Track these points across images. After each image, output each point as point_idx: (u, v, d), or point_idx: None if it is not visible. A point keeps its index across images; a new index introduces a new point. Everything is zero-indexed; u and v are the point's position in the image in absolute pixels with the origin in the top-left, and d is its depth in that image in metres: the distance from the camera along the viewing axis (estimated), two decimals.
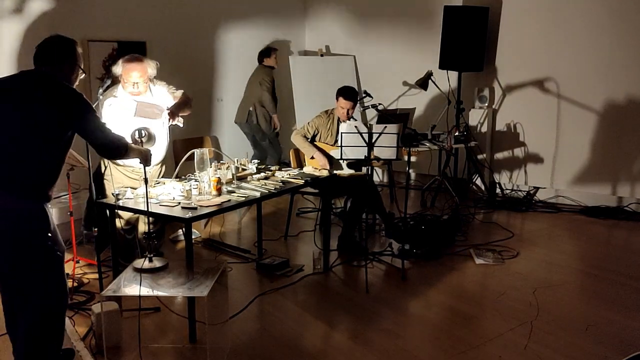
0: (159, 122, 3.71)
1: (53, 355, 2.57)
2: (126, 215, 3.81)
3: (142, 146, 3.01)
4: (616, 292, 3.67)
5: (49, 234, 2.45)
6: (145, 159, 2.93)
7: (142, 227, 3.91)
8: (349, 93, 4.47)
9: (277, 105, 6.24)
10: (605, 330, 3.14)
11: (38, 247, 2.42)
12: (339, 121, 4.58)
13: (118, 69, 3.63)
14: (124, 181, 3.71)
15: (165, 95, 3.84)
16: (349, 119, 4.52)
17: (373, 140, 3.85)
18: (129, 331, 3.08)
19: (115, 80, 3.68)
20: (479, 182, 6.06)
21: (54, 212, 4.43)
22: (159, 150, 3.71)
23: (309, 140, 4.54)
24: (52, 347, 2.56)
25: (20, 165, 2.39)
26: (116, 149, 2.67)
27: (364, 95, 5.58)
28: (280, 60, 6.83)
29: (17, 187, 2.38)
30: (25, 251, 2.41)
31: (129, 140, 3.18)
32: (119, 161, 3.62)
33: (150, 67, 3.66)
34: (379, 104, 5.14)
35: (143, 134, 3.08)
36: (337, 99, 4.51)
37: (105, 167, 3.76)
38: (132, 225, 3.94)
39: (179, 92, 3.90)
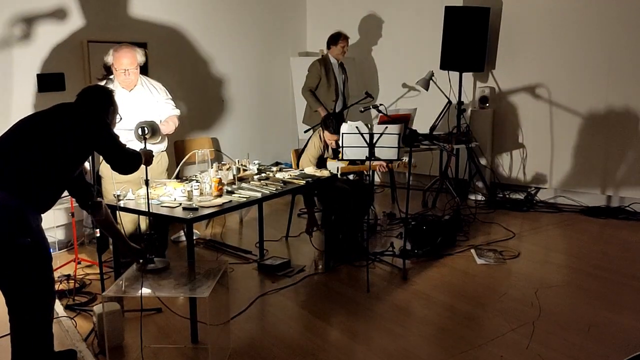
0: (153, 111, 3.89)
1: (38, 356, 2.57)
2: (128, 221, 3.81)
3: (145, 142, 3.05)
4: (618, 292, 3.67)
5: (25, 235, 2.44)
6: (148, 160, 2.98)
7: (143, 226, 3.93)
8: (334, 127, 4.19)
9: (332, 103, 5.59)
10: (607, 331, 3.14)
11: (10, 244, 2.42)
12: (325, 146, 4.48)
13: (109, 58, 3.79)
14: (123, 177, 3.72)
15: (159, 90, 4.02)
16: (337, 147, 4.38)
17: (374, 141, 3.85)
18: (131, 332, 3.09)
19: (111, 73, 3.84)
20: (480, 182, 6.05)
21: (56, 213, 4.46)
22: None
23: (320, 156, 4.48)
24: (35, 347, 2.55)
25: (30, 171, 2.47)
26: (132, 164, 2.84)
27: (364, 96, 5.57)
28: (280, 61, 6.85)
29: (13, 186, 2.42)
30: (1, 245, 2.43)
31: (132, 136, 3.21)
32: None
33: (139, 55, 3.82)
34: (380, 104, 5.14)
35: (146, 131, 3.10)
36: (323, 128, 4.35)
37: (100, 163, 3.78)
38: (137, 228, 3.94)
39: (174, 112, 4.05)
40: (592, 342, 3.01)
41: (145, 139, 3.09)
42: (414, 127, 5.18)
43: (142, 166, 2.94)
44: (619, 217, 5.31)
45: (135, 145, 3.26)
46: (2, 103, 4.32)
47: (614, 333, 3.12)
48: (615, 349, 2.94)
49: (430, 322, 3.34)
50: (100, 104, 2.77)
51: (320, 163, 4.49)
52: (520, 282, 3.84)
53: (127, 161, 2.81)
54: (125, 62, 3.73)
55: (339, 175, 4.33)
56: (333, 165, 4.47)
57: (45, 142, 2.52)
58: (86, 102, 2.75)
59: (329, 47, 5.67)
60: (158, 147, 3.96)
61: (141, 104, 3.88)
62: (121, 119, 2.95)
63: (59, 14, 4.59)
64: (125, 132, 3.56)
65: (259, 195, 3.48)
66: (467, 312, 3.43)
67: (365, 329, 3.22)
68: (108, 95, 2.85)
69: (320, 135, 4.44)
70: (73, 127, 2.60)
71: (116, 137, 2.78)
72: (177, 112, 4.09)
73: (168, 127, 3.91)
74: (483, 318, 3.34)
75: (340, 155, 4.09)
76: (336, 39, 5.58)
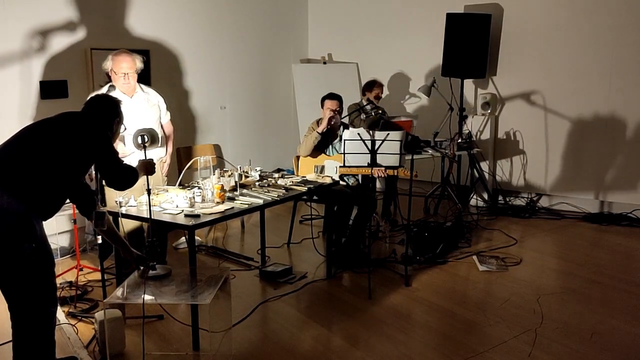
0: (155, 118, 4.00)
1: None
2: (128, 226, 3.82)
3: (145, 150, 3.06)
4: (620, 299, 3.66)
5: (30, 241, 2.46)
6: (149, 170, 2.98)
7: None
8: (330, 94, 4.59)
9: None
10: (610, 338, 3.13)
11: (15, 250, 2.43)
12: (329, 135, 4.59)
13: (108, 63, 3.83)
14: None
15: (158, 96, 4.13)
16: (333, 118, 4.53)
17: (376, 147, 3.85)
18: (132, 339, 3.09)
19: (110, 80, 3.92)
20: (482, 188, 6.05)
21: (58, 220, 4.46)
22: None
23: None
24: (37, 354, 2.55)
25: (34, 177, 2.49)
26: (127, 181, 2.84)
27: (366, 102, 5.59)
28: (283, 68, 6.87)
29: (19, 191, 2.44)
30: (4, 251, 2.43)
31: (131, 146, 3.22)
32: None
33: (137, 60, 3.86)
34: (382, 111, 5.16)
35: (146, 139, 3.10)
36: (322, 106, 4.60)
37: None
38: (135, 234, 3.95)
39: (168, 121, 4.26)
40: (595, 349, 3.00)
41: (144, 147, 3.09)
42: (415, 134, 5.20)
43: (140, 176, 2.94)
44: (621, 223, 5.30)
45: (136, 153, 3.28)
46: (5, 110, 4.33)
47: (616, 340, 3.11)
48: (618, 356, 2.93)
49: (432, 328, 3.33)
50: (105, 115, 2.78)
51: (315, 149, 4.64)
52: (522, 289, 3.83)
53: (122, 178, 2.81)
54: (124, 65, 3.77)
55: (337, 177, 4.34)
56: (331, 165, 4.49)
57: (49, 150, 2.54)
58: (91, 113, 2.76)
59: (364, 94, 5.61)
60: (158, 154, 4.00)
61: (142, 109, 3.93)
62: (125, 129, 2.96)
63: (63, 22, 4.62)
64: (128, 137, 3.60)
65: (260, 201, 3.48)
66: (468, 318, 3.42)
67: (367, 336, 3.21)
68: (114, 106, 2.84)
69: (318, 122, 4.63)
70: (76, 138, 2.61)
71: (115, 153, 2.77)
72: (169, 116, 4.27)
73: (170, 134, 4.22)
74: (485, 325, 3.33)
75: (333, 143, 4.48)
76: (371, 85, 5.54)
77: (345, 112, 5.03)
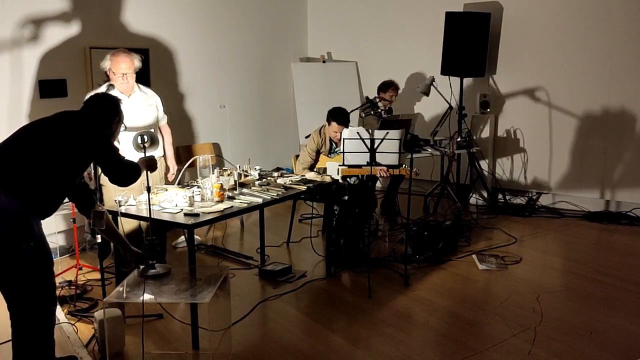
0: (152, 117, 4.00)
1: None
2: (127, 227, 3.81)
3: (145, 151, 3.05)
4: (620, 298, 3.66)
5: (28, 240, 2.46)
6: (151, 167, 2.98)
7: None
8: (341, 116, 4.35)
9: None
10: (609, 336, 3.13)
11: (13, 249, 2.43)
12: (331, 140, 4.56)
13: (106, 63, 3.83)
14: None
15: (155, 96, 4.11)
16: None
17: (375, 146, 3.85)
18: (132, 338, 3.09)
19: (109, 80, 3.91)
20: (481, 187, 6.05)
21: (57, 219, 4.46)
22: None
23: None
24: (36, 353, 2.55)
25: (32, 177, 2.49)
26: (129, 177, 2.82)
27: (365, 102, 5.59)
28: (282, 66, 6.87)
29: (18, 191, 2.44)
30: (2, 250, 2.43)
31: (131, 146, 3.21)
32: None
33: (136, 59, 3.86)
34: (381, 109, 5.15)
35: (146, 139, 3.10)
36: (329, 122, 4.43)
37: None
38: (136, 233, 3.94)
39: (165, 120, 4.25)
40: (594, 348, 3.00)
41: (144, 147, 3.09)
42: (415, 133, 5.19)
43: (143, 172, 2.94)
44: (621, 222, 5.30)
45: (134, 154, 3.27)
46: (4, 109, 4.33)
47: (616, 338, 3.11)
48: (617, 354, 2.93)
49: (432, 327, 3.33)
50: (104, 115, 2.77)
51: (317, 158, 4.60)
52: (522, 288, 3.83)
53: (125, 174, 2.80)
54: (123, 66, 3.76)
55: (339, 178, 4.32)
56: (333, 167, 4.48)
57: (47, 149, 2.54)
58: (90, 112, 2.76)
59: (378, 93, 5.57)
60: (156, 153, 3.98)
61: (140, 109, 3.92)
62: (126, 128, 2.95)
63: (62, 21, 4.61)
64: (126, 135, 3.58)
65: (260, 200, 3.48)
66: (468, 317, 3.42)
67: (367, 335, 3.21)
68: (114, 105, 2.84)
69: (320, 131, 4.56)
70: (74, 137, 2.61)
71: (115, 150, 2.77)
72: (166, 119, 4.26)
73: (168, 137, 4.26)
74: (485, 324, 3.33)
75: (335, 149, 4.34)
76: (387, 87, 5.50)
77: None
